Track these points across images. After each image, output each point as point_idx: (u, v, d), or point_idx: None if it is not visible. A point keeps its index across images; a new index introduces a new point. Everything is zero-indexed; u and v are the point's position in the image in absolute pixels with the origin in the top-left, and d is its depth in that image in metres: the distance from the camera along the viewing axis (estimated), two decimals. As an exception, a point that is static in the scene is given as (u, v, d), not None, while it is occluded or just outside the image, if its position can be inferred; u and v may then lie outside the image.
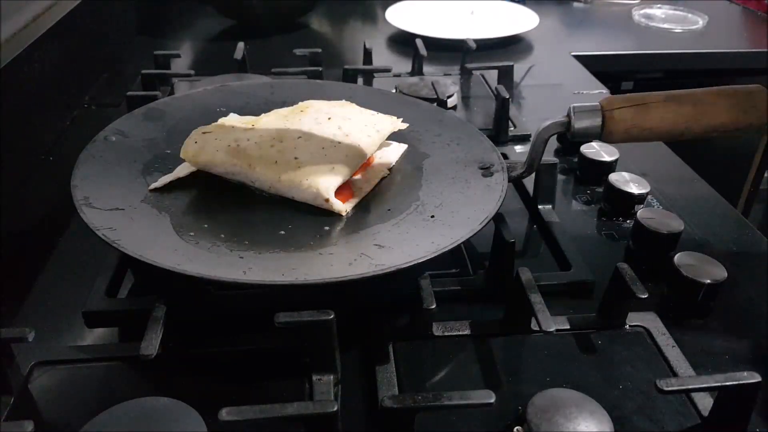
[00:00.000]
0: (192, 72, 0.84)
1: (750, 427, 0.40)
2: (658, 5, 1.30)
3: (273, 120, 0.57)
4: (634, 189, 0.60)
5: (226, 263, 0.44)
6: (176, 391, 0.38)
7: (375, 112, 0.59)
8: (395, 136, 0.59)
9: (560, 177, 0.64)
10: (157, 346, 0.40)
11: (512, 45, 1.08)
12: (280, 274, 0.43)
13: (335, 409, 0.35)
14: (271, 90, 0.68)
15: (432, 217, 0.49)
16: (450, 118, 0.63)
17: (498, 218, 0.49)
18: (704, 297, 0.50)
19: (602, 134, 0.52)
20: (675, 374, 0.44)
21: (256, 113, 0.59)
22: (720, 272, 0.50)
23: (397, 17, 1.12)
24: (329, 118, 0.56)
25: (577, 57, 1.03)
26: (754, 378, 0.38)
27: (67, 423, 0.39)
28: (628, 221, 0.60)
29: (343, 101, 0.60)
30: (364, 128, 0.56)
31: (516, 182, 0.62)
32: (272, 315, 0.39)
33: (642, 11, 1.27)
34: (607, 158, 0.66)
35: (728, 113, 0.51)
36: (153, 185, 0.52)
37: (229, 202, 0.52)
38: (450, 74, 0.91)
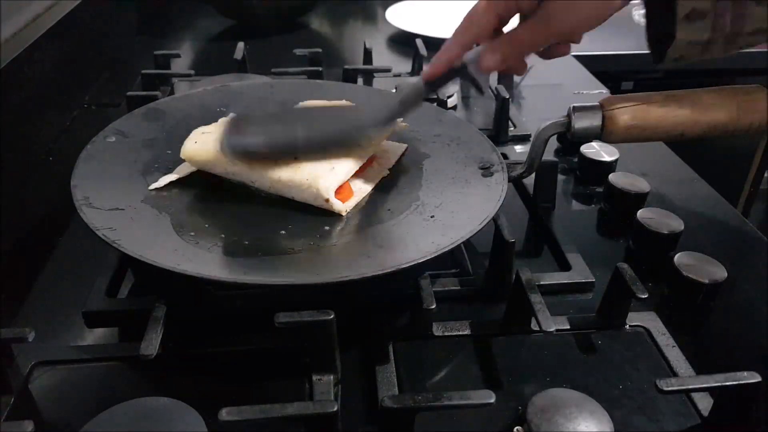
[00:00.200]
0: (192, 72, 0.84)
1: (750, 427, 0.40)
2: (658, 5, 1.30)
3: (273, 120, 0.56)
4: (634, 189, 0.60)
5: (226, 263, 0.44)
6: (176, 391, 0.38)
7: (375, 112, 0.59)
8: (395, 136, 0.59)
9: (560, 177, 0.64)
10: (157, 346, 0.40)
11: (512, 45, 1.08)
12: (280, 274, 0.43)
13: (335, 409, 0.35)
14: (271, 90, 0.68)
15: (432, 217, 0.49)
16: (450, 118, 0.63)
17: (498, 218, 0.49)
18: (704, 297, 0.50)
19: (602, 134, 0.52)
20: (675, 374, 0.44)
21: (256, 113, 0.59)
22: (720, 272, 0.50)
23: (397, 17, 1.12)
24: (329, 118, 0.56)
25: (577, 57, 1.03)
26: (754, 378, 0.38)
27: (67, 423, 0.39)
28: (627, 221, 0.60)
29: (343, 101, 0.60)
30: (364, 128, 0.56)
31: (516, 182, 0.62)
32: (272, 315, 0.39)
33: (642, 11, 1.27)
34: (607, 158, 0.66)
35: (728, 113, 0.51)
36: (153, 185, 0.52)
37: (229, 203, 0.52)
38: (450, 74, 0.91)
